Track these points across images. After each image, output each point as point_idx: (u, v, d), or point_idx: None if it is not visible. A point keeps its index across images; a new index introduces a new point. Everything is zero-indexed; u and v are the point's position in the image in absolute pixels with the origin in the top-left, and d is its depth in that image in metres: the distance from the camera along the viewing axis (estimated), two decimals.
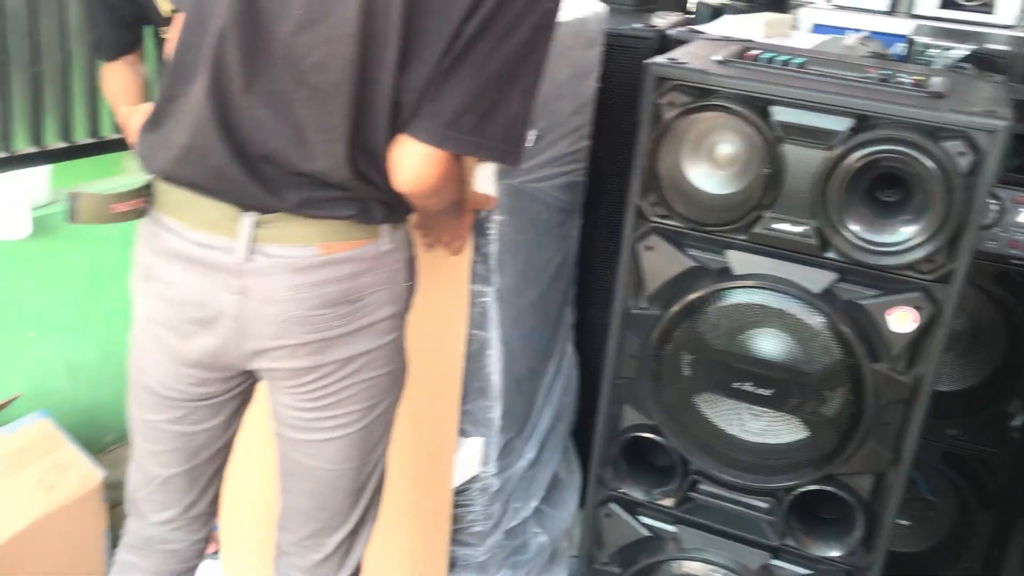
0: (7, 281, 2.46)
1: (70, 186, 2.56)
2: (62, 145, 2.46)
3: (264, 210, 1.31)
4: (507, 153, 1.33)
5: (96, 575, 2.34)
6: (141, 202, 1.38)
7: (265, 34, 1.26)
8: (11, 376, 2.53)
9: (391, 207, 1.37)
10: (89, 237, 2.56)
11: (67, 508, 2.20)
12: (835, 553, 1.79)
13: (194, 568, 1.67)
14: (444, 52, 1.24)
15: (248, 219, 1.31)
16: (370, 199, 1.34)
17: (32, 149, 2.38)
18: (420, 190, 1.33)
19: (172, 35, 1.37)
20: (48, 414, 2.34)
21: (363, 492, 1.55)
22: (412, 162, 1.30)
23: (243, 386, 1.51)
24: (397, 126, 1.29)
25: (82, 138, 2.53)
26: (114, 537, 2.32)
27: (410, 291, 1.48)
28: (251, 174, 1.29)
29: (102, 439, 2.72)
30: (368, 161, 1.31)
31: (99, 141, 2.56)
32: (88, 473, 2.26)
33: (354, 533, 1.57)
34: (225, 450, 1.58)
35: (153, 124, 1.36)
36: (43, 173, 2.44)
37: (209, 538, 1.66)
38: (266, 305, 1.33)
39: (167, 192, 1.37)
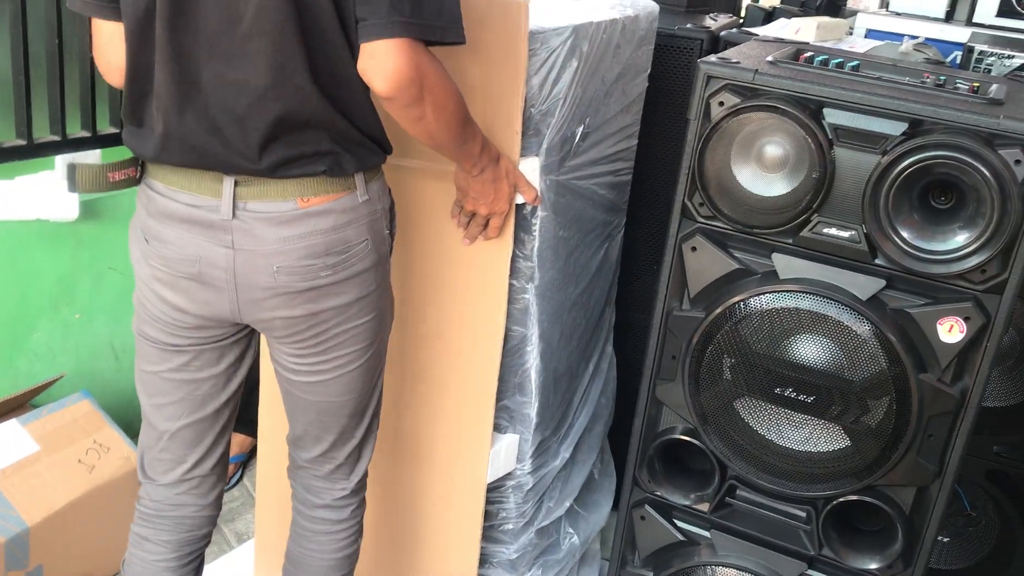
0: (56, 263, 2.50)
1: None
2: (114, 131, 2.49)
3: (243, 173, 1.41)
4: (448, 30, 1.37)
5: None
6: (134, 171, 1.51)
7: (200, 8, 1.34)
8: (56, 356, 2.57)
9: (363, 153, 1.45)
10: None
11: (105, 488, 2.23)
12: (873, 566, 1.76)
13: (205, 538, 1.72)
14: None
15: (230, 179, 1.41)
16: (342, 150, 1.41)
17: (84, 134, 2.41)
18: (398, 89, 1.35)
19: (114, 44, 1.45)
20: (90, 395, 2.37)
21: (366, 412, 1.67)
22: (376, 63, 1.34)
23: (243, 333, 1.59)
24: (351, 41, 1.35)
25: None
26: None
27: (391, 238, 1.58)
28: (227, 145, 1.39)
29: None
30: (335, 83, 1.38)
31: None
32: (128, 455, 2.29)
33: (361, 445, 1.71)
34: (228, 407, 1.64)
35: (131, 121, 1.46)
36: (94, 158, 2.47)
37: (219, 509, 1.72)
38: (256, 257, 1.43)
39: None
